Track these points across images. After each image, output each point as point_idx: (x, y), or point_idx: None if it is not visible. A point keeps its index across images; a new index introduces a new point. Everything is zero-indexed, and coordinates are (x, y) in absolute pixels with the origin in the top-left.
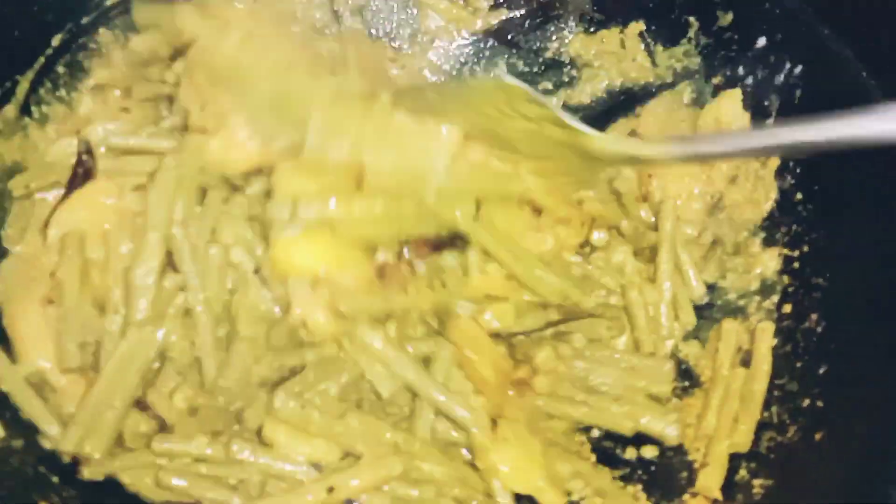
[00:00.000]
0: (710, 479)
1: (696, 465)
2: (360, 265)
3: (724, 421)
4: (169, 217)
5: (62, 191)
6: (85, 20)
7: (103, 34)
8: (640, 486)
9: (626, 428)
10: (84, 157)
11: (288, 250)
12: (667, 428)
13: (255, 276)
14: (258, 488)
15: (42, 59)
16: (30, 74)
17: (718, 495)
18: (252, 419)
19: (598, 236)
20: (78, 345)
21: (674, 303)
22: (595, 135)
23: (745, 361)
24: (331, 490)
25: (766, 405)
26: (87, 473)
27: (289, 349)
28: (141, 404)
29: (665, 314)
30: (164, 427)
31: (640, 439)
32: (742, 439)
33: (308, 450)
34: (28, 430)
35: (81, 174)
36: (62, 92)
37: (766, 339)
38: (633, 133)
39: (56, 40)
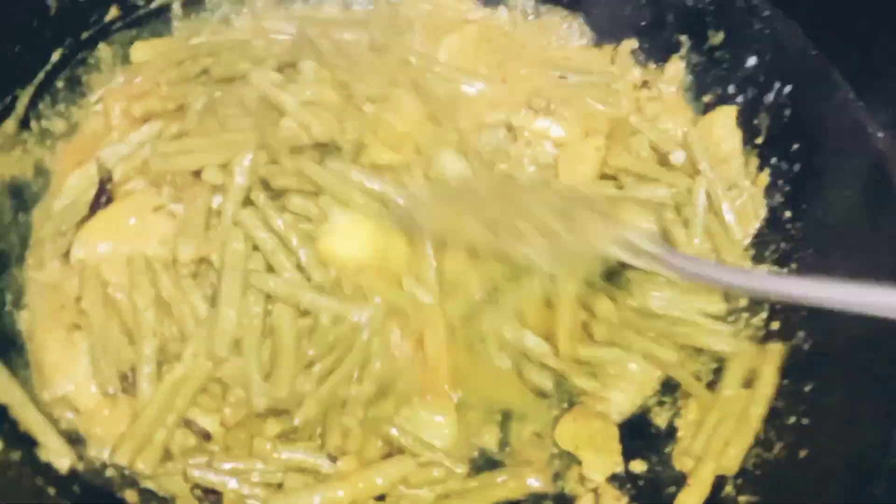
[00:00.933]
0: (689, 500)
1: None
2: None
3: (716, 443)
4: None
5: (84, 215)
6: (84, 35)
7: (102, 49)
8: (626, 500)
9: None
10: (107, 185)
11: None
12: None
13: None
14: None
15: (41, 75)
16: (29, 89)
17: None
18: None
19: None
20: (115, 370)
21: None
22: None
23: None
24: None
25: None
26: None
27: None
28: (184, 420)
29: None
30: (207, 439)
31: (630, 453)
32: (730, 463)
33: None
34: (26, 442)
35: (104, 202)
36: (61, 107)
37: (773, 361)
38: None
39: (55, 55)
